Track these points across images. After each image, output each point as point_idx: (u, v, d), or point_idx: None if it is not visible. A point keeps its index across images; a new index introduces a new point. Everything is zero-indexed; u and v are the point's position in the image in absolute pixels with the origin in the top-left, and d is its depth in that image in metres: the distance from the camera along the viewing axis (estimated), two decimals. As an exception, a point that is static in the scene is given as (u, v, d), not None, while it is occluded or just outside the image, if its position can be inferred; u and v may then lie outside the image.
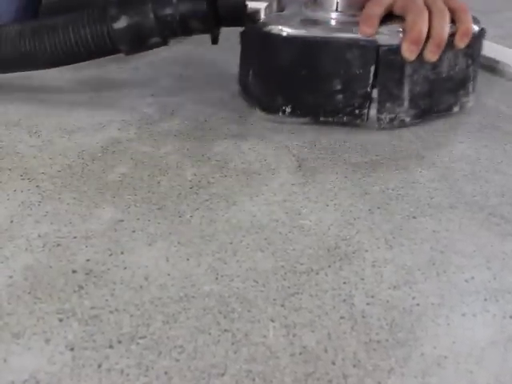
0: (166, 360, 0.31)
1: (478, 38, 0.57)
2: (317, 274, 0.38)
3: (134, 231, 0.41)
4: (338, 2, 0.55)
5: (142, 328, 0.33)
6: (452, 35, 0.53)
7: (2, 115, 0.57)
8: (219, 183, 0.47)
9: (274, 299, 0.36)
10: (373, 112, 0.55)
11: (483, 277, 0.38)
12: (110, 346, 0.32)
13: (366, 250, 0.40)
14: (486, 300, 0.36)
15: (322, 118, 0.56)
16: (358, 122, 0.55)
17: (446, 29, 0.52)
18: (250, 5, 0.55)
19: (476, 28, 0.56)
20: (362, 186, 0.47)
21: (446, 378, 0.31)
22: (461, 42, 0.54)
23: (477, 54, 0.58)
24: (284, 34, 0.53)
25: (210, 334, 0.33)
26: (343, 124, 0.55)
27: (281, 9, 0.57)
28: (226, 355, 0.32)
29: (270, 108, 0.57)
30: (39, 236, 0.40)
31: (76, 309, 0.34)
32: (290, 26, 0.54)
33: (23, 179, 0.47)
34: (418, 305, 0.35)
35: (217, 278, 0.37)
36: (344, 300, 0.36)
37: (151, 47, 0.56)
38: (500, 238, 0.42)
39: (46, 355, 0.31)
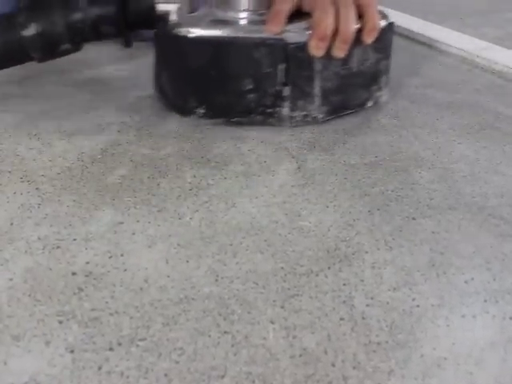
0: (165, 362, 0.31)
1: (387, 32, 0.57)
2: (316, 275, 0.38)
3: (133, 233, 0.41)
4: (247, 1, 0.55)
5: (141, 330, 0.33)
6: (360, 31, 0.54)
7: (2, 118, 0.58)
8: (219, 185, 0.47)
9: (274, 301, 0.36)
10: (285, 110, 0.55)
11: (483, 278, 0.38)
12: (110, 349, 0.32)
13: (366, 252, 0.40)
14: (485, 301, 0.36)
15: (234, 119, 0.56)
16: (271, 120, 0.56)
17: (352, 24, 0.52)
18: (161, 7, 0.56)
19: (384, 23, 0.56)
20: (361, 187, 0.48)
21: (446, 379, 0.31)
22: (368, 38, 0.54)
23: (387, 48, 0.59)
24: (192, 35, 0.53)
25: (209, 335, 0.33)
26: (257, 123, 0.56)
27: (193, 10, 0.57)
28: (226, 357, 0.32)
29: (183, 110, 0.57)
30: (39, 238, 0.40)
31: (76, 311, 0.34)
32: (198, 26, 0.53)
33: (23, 181, 0.47)
34: (417, 306, 0.36)
35: (216, 280, 0.37)
36: (344, 301, 0.36)
37: (63, 54, 0.55)
38: (499, 239, 0.42)
39: (46, 357, 0.31)
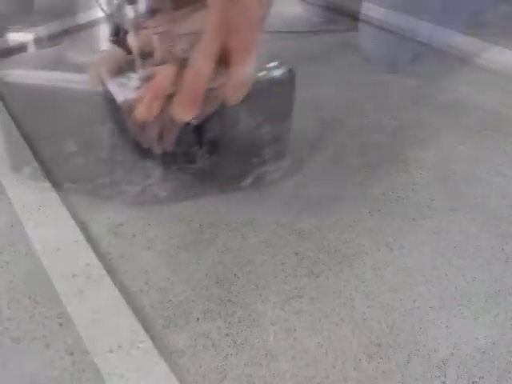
0: (165, 364, 0.31)
1: (279, 86, 0.41)
2: (317, 277, 0.38)
3: (134, 235, 0.41)
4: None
5: (141, 332, 0.33)
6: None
7: (1, 121, 0.57)
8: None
9: (275, 302, 0.36)
10: (117, 183, 0.43)
11: (484, 279, 0.38)
12: (110, 351, 0.32)
13: (366, 253, 0.40)
14: (486, 302, 0.36)
15: (66, 185, 0.44)
16: (106, 193, 0.43)
17: (203, 78, 0.36)
18: (15, 36, 0.46)
19: (278, 73, 0.41)
20: (362, 188, 0.47)
21: (447, 380, 0.31)
22: (231, 97, 0.37)
23: (277, 108, 0.42)
24: (6, 78, 0.43)
25: (210, 337, 0.33)
26: (90, 195, 0.44)
27: (55, 43, 0.47)
28: (227, 359, 0.32)
29: (12, 167, 0.46)
30: (39, 241, 0.40)
31: (76, 313, 0.34)
32: (23, 69, 0.44)
33: (23, 184, 0.47)
34: (418, 307, 0.35)
35: (217, 282, 0.37)
36: (344, 303, 0.36)
37: None
38: (500, 240, 0.42)
39: (46, 360, 0.31)
